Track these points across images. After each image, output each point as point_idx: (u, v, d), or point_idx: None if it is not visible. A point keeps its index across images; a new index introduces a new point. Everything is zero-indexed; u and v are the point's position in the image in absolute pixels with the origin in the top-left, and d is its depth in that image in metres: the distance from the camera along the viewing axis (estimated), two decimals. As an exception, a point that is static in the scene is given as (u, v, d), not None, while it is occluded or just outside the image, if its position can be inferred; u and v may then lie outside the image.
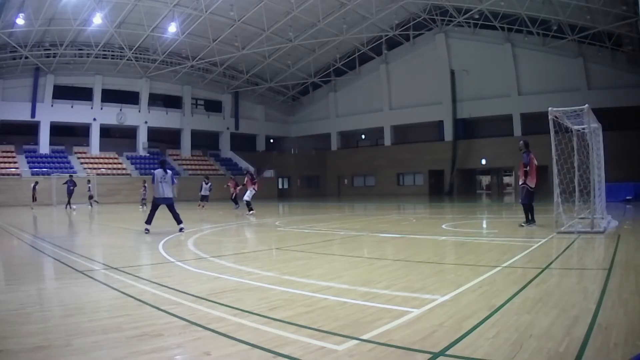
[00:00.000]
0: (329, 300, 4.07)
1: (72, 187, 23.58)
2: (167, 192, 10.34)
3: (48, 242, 9.29)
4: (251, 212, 15.95)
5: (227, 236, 10.71)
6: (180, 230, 10.11)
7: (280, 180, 44.74)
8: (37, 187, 25.71)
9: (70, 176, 25.52)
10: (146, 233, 10.05)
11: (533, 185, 9.85)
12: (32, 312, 3.82)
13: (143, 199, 24.00)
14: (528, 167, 9.73)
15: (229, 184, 21.86)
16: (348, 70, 42.70)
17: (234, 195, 20.91)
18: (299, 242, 8.62)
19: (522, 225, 9.79)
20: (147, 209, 20.94)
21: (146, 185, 24.36)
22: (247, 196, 16.74)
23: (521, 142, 10.19)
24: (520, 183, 10.15)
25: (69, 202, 23.38)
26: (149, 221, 10.32)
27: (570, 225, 8.76)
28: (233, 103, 43.97)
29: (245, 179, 17.67)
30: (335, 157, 45.14)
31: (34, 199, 25.33)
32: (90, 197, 25.17)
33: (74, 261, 6.46)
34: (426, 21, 37.23)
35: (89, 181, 26.21)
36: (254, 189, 17.01)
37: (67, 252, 7.50)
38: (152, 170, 10.59)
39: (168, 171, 10.43)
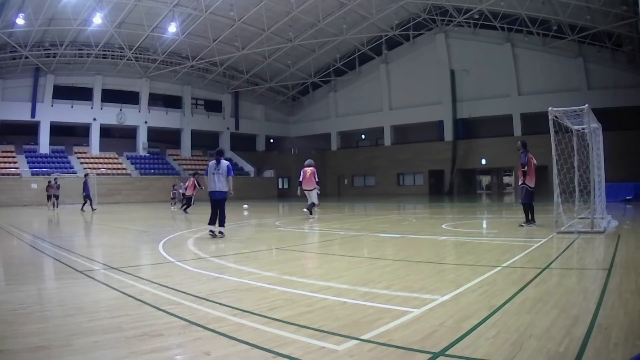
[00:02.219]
0: (329, 300, 4.07)
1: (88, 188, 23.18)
2: (221, 185, 9.07)
3: (48, 242, 9.30)
4: (312, 215, 14.16)
5: (227, 236, 10.70)
6: (220, 233, 8.99)
7: (280, 180, 44.76)
8: (52, 186, 24.41)
9: (86, 175, 24.83)
10: (211, 235, 9.04)
11: (532, 185, 9.87)
12: (32, 312, 3.82)
13: (172, 198, 23.28)
14: (526, 167, 9.76)
15: (188, 183, 18.58)
16: (348, 70, 42.70)
17: (191, 198, 18.17)
18: (299, 242, 8.62)
19: (522, 225, 9.79)
20: (176, 208, 20.94)
21: (175, 185, 23.82)
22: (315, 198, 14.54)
23: (519, 142, 10.23)
24: (519, 183, 10.18)
25: (91, 203, 22.40)
26: (211, 221, 9.29)
27: (570, 225, 8.76)
28: (233, 103, 43.98)
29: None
30: (335, 157, 45.15)
31: (49, 198, 24.45)
32: (56, 197, 24.30)
33: (74, 261, 6.46)
34: (426, 21, 37.23)
35: (56, 180, 25.12)
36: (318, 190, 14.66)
37: (67, 252, 7.50)
38: (208, 163, 9.50)
39: (222, 161, 9.17)
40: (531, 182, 9.84)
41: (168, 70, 38.19)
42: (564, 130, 9.37)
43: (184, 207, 18.13)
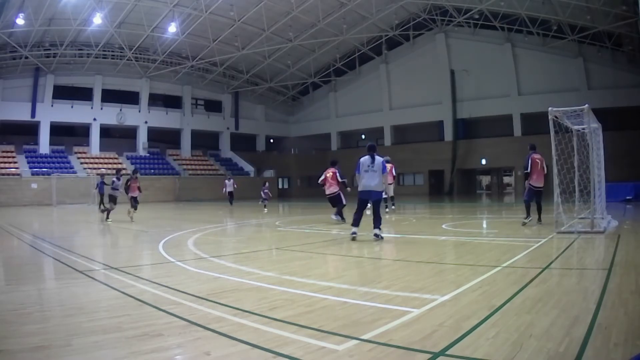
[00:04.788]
0: (329, 300, 4.07)
1: (103, 188, 23.32)
2: (376, 183, 8.18)
3: (48, 242, 9.30)
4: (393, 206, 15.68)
5: (227, 236, 10.71)
6: (375, 236, 8.12)
7: (280, 180, 44.78)
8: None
9: (102, 176, 24.96)
10: (353, 238, 8.21)
11: (537, 184, 10.09)
12: (32, 312, 3.83)
13: (264, 199, 20.65)
14: (528, 168, 10.01)
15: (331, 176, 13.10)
16: (348, 70, 42.69)
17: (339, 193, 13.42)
18: (299, 242, 8.61)
19: (525, 223, 9.97)
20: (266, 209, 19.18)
21: (267, 184, 21.87)
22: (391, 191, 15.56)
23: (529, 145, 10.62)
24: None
25: (101, 202, 22.21)
26: (356, 223, 8.39)
27: (570, 225, 8.76)
28: (233, 103, 43.98)
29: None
30: (335, 157, 45.01)
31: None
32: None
33: (74, 261, 6.47)
34: (426, 21, 37.23)
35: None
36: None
37: (67, 252, 7.50)
38: (359, 159, 8.45)
39: (377, 158, 8.22)
40: (535, 182, 10.06)
41: (168, 70, 38.19)
42: (564, 130, 9.39)
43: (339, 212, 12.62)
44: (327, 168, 12.77)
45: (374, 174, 8.16)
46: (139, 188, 14.68)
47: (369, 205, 8.78)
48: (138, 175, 15.06)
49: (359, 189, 8.35)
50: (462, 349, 2.74)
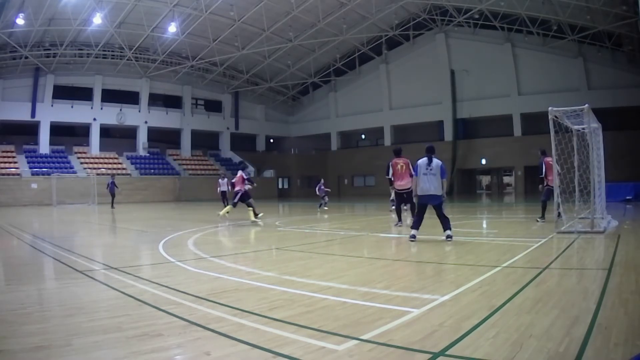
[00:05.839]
0: (329, 300, 4.07)
1: (113, 188, 24.21)
2: (434, 187, 7.96)
3: (48, 242, 9.30)
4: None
5: (227, 236, 10.71)
6: (448, 238, 7.78)
7: (280, 180, 44.77)
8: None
9: (113, 176, 25.76)
10: (412, 241, 7.90)
11: (553, 184, 10.49)
12: (32, 312, 3.83)
13: (323, 198, 18.42)
14: (543, 172, 10.63)
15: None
16: (348, 70, 42.69)
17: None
18: (299, 242, 8.62)
19: (537, 221, 10.50)
20: (321, 208, 17.36)
21: (322, 180, 19.37)
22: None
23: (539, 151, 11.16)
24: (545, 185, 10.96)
25: (112, 202, 24.24)
26: (415, 225, 8.15)
27: (570, 225, 8.77)
28: (233, 103, 43.98)
29: None
30: (335, 157, 45.12)
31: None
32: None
33: (74, 261, 6.47)
34: (426, 21, 37.23)
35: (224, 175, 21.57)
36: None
37: (67, 252, 7.50)
38: (417, 161, 8.19)
39: (434, 160, 8.00)
40: (552, 182, 10.44)
41: (168, 70, 38.18)
42: (564, 130, 9.41)
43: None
44: (392, 159, 10.81)
45: (432, 177, 7.95)
46: (232, 184, 12.48)
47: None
48: (247, 169, 12.87)
49: (418, 192, 8.16)
50: (462, 349, 2.74)
